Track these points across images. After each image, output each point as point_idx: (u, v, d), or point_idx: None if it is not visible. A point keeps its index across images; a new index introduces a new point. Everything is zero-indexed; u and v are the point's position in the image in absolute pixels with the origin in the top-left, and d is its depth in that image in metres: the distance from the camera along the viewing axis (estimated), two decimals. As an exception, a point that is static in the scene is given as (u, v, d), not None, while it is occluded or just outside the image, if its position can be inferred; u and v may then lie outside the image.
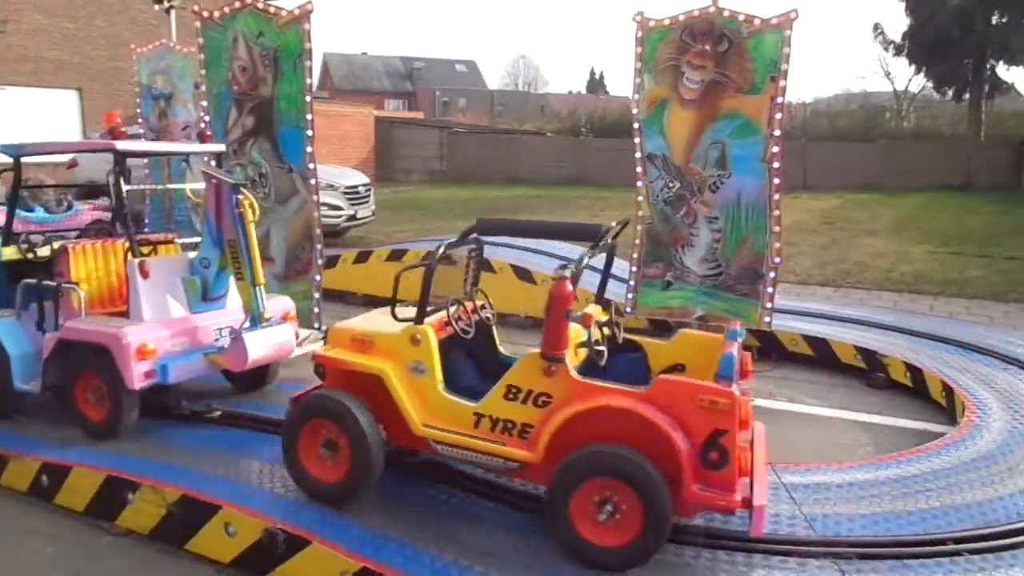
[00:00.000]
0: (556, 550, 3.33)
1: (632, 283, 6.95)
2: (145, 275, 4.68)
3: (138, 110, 9.62)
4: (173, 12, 10.37)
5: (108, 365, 4.40)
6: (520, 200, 21.78)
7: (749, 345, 7.16)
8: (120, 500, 3.92)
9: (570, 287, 3.39)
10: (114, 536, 3.92)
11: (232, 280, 4.66)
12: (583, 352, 3.68)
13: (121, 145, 4.79)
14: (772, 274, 6.37)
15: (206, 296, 4.75)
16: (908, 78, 43.80)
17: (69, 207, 9.61)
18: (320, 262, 6.17)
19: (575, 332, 3.60)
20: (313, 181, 6.01)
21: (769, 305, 6.41)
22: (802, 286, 10.59)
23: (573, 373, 3.38)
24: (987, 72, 27.47)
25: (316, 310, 6.20)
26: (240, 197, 4.40)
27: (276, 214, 6.22)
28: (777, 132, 6.11)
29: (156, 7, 10.78)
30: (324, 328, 6.74)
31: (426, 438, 3.59)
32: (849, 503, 3.85)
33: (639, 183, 6.79)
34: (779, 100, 6.04)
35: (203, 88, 6.30)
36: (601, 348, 3.61)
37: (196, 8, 6.24)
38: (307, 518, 3.52)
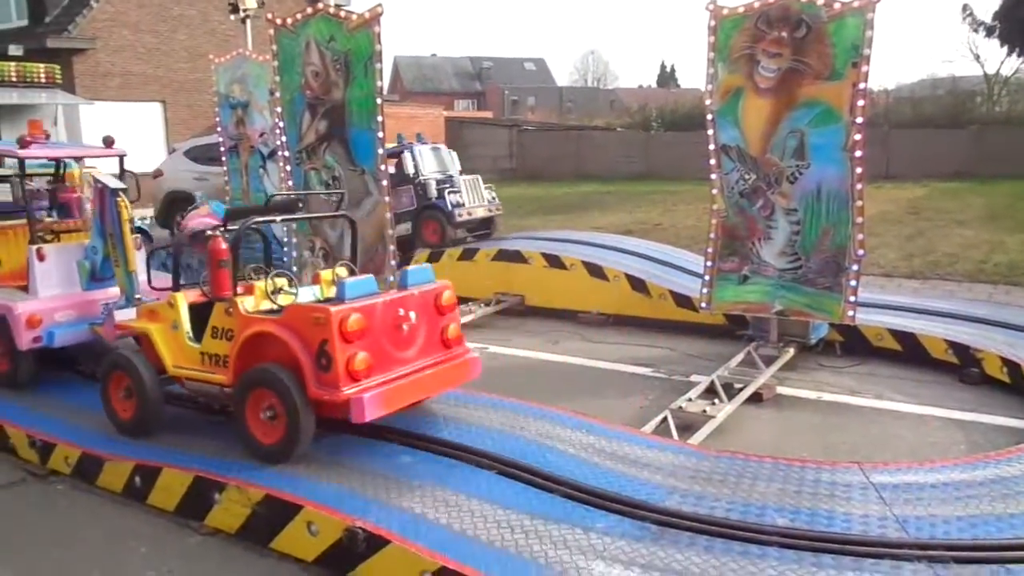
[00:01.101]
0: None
1: (707, 278, 6.81)
2: (41, 259, 5.70)
3: (217, 119, 9.93)
4: (249, 22, 10.65)
5: (5, 330, 5.53)
6: (590, 196, 21.62)
7: (832, 340, 6.95)
8: (208, 500, 4.05)
9: (223, 244, 4.44)
10: (203, 536, 4.04)
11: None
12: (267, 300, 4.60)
13: (24, 152, 5.75)
14: (855, 267, 6.15)
15: (95, 277, 5.67)
16: (1000, 60, 41.48)
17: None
18: (393, 263, 6.25)
19: (272, 284, 4.65)
20: (385, 182, 6.09)
21: (852, 299, 6.19)
22: (887, 279, 10.17)
23: (242, 310, 4.33)
24: (1086, 49, 25.85)
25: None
26: (118, 199, 5.25)
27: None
28: (859, 119, 5.89)
29: (232, 17, 11.08)
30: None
31: (178, 376, 4.64)
32: (944, 504, 3.66)
33: (713, 176, 6.64)
34: (861, 86, 5.83)
35: (277, 94, 6.45)
36: (278, 294, 4.61)
37: (270, 16, 6.40)
38: (386, 517, 3.55)
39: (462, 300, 8.90)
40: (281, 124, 6.59)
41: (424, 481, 3.92)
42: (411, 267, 4.70)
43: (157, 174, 13.17)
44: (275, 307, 4.54)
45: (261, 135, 9.53)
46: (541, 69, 69.70)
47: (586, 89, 69.42)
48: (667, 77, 74.11)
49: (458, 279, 9.11)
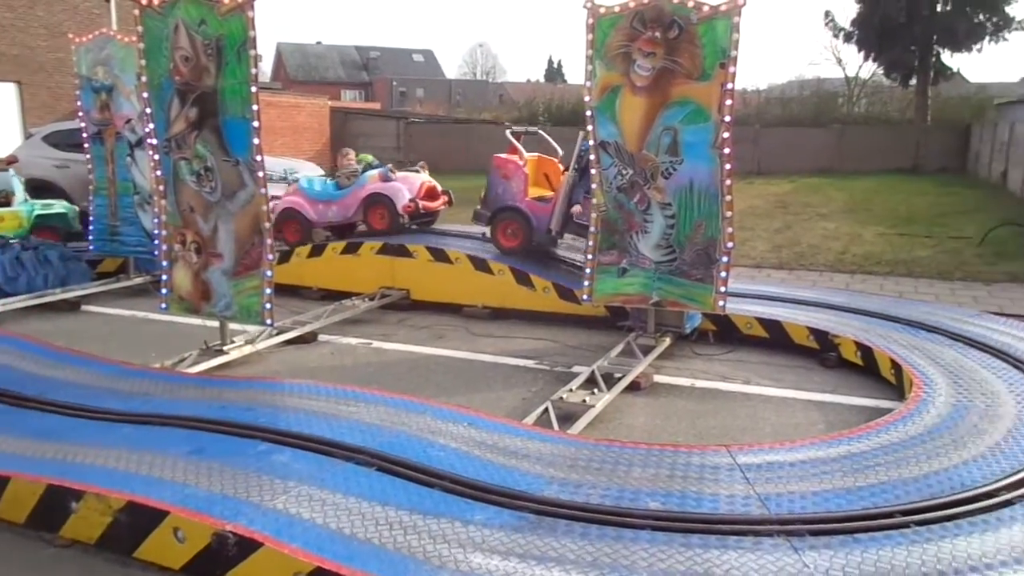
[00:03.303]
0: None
1: (588, 271, 6.96)
2: None
3: (78, 103, 9.31)
4: (113, 0, 10.04)
5: None
6: (479, 190, 21.65)
7: (706, 329, 7.28)
8: (63, 510, 3.79)
9: None
10: (58, 547, 3.78)
11: None
12: None
13: None
14: (725, 258, 6.44)
15: None
16: (858, 64, 44.52)
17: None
18: (271, 257, 6.05)
19: None
20: (261, 173, 5.88)
21: (723, 289, 6.48)
22: (757, 269, 10.73)
23: None
24: (933, 58, 28.02)
25: (268, 306, 6.07)
26: None
27: (223, 208, 6.07)
28: (727, 118, 6.16)
29: (96, -5, 10.43)
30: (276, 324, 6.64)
31: None
32: (802, 481, 3.90)
33: (592, 171, 6.79)
34: (729, 86, 6.09)
35: (144, 79, 6.11)
36: None
37: (134, -4, 6.04)
38: (259, 519, 3.44)
39: (345, 294, 8.78)
40: (148, 111, 6.24)
41: (300, 480, 3.82)
42: None
43: (11, 160, 12.23)
44: None
45: (128, 121, 9.02)
46: (430, 61, 69.25)
47: (475, 82, 69.56)
48: (555, 72, 75.28)
49: (341, 273, 9.10)
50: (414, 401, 4.97)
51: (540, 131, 10.07)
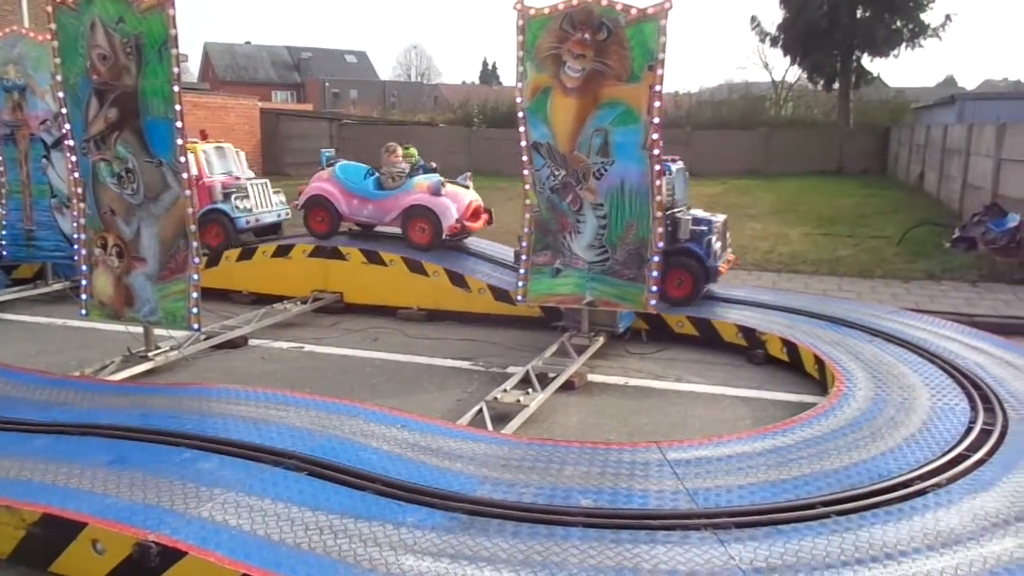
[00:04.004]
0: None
1: (523, 271, 6.99)
2: None
3: (-10, 103, 8.90)
4: (26, -4, 9.64)
5: None
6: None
7: (639, 328, 7.39)
8: (-27, 524, 3.62)
9: None
10: (-34, 563, 3.62)
11: None
12: None
13: None
14: (656, 258, 6.55)
15: None
16: (784, 69, 45.94)
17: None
18: (196, 260, 5.89)
19: None
20: (185, 175, 5.72)
21: (654, 288, 6.59)
22: (688, 269, 10.91)
23: None
24: (854, 63, 29.11)
25: (194, 311, 5.91)
26: None
27: (146, 211, 5.88)
28: (656, 120, 6.26)
29: (8, -10, 9.99)
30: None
31: None
32: (728, 475, 3.99)
33: (525, 172, 6.82)
34: (658, 88, 6.20)
35: (59, 78, 5.87)
36: None
37: (48, -9, 5.80)
38: (183, 528, 3.34)
39: (277, 298, 8.61)
40: (64, 111, 6.00)
41: (226, 487, 3.73)
42: None
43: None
44: None
45: (43, 122, 8.67)
46: (363, 62, 68.53)
47: (409, 84, 69.16)
48: (489, 74, 75.36)
49: (273, 276, 8.92)
50: (346, 404, 4.91)
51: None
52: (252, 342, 7.43)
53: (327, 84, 59.55)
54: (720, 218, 8.17)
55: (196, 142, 10.20)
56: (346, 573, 3.11)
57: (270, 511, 3.54)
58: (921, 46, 28.47)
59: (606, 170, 6.50)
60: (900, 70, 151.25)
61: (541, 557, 3.24)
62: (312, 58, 63.59)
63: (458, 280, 8.21)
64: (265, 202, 10.35)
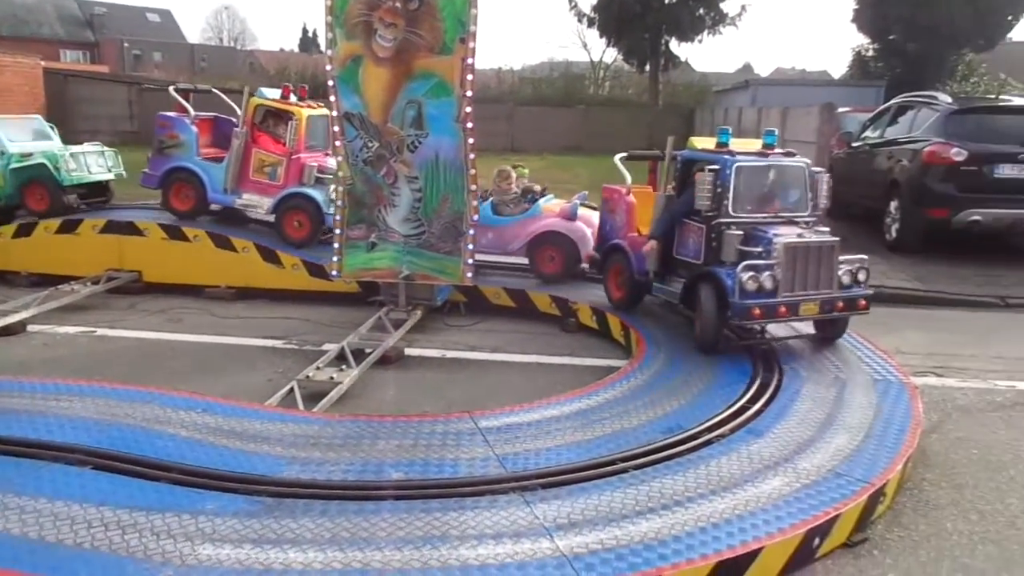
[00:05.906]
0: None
1: (337, 246, 6.81)
2: None
3: None
4: None
5: None
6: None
7: (457, 300, 7.43)
8: None
9: None
10: None
11: None
12: None
13: None
14: (471, 231, 6.60)
15: None
16: (602, 50, 47.70)
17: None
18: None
19: None
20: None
21: (470, 261, 6.65)
22: (508, 242, 11.12)
23: None
24: (663, 47, 30.75)
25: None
26: None
27: None
28: (469, 93, 6.27)
29: None
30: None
31: None
32: (537, 439, 4.12)
33: (337, 143, 6.62)
34: (470, 61, 6.20)
35: None
36: None
37: None
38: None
39: (64, 279, 7.84)
40: None
41: (-7, 490, 3.37)
42: None
43: None
44: None
45: None
46: (167, 22, 63.47)
47: (221, 48, 64.95)
48: (309, 42, 72.39)
49: (58, 255, 8.09)
50: (140, 390, 4.57)
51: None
52: (32, 328, 6.72)
53: (126, 45, 54.58)
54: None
55: None
56: (135, 570, 2.90)
57: (46, 511, 3.23)
58: (720, 33, 30.56)
59: (420, 142, 6.44)
60: (705, 56, 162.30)
61: (350, 534, 3.19)
62: (107, 14, 57.93)
63: (269, 256, 7.86)
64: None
